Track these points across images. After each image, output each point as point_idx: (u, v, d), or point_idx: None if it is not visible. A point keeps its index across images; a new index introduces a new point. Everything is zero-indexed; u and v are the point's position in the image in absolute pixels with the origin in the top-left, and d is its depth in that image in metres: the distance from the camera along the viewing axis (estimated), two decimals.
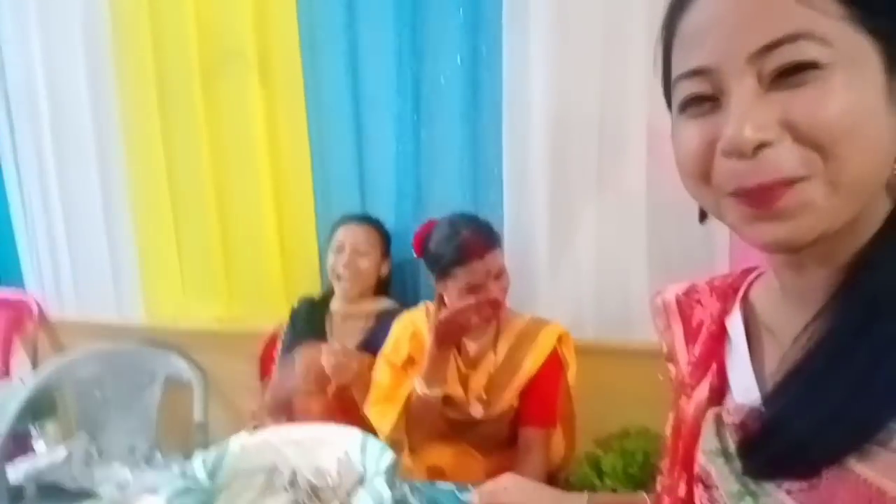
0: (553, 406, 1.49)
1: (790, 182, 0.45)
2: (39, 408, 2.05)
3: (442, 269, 1.47)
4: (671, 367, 0.70)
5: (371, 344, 1.69)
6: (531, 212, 1.76)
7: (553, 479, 1.53)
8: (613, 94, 1.68)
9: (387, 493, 0.97)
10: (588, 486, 1.40)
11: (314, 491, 1.08)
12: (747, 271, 0.66)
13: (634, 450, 1.61)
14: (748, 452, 0.51)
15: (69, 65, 2.14)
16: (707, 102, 0.49)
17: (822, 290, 0.52)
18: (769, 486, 0.50)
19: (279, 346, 1.88)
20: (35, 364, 2.24)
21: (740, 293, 0.64)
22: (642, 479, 1.59)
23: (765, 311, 0.61)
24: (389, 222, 1.88)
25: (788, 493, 0.49)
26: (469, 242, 1.45)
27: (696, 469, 0.59)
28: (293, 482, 1.10)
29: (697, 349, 0.64)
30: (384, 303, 1.83)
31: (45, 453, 1.82)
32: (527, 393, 1.48)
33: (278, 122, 1.98)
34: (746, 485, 0.52)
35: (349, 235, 1.77)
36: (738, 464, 0.53)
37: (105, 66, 2.10)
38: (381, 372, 1.56)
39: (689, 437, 0.61)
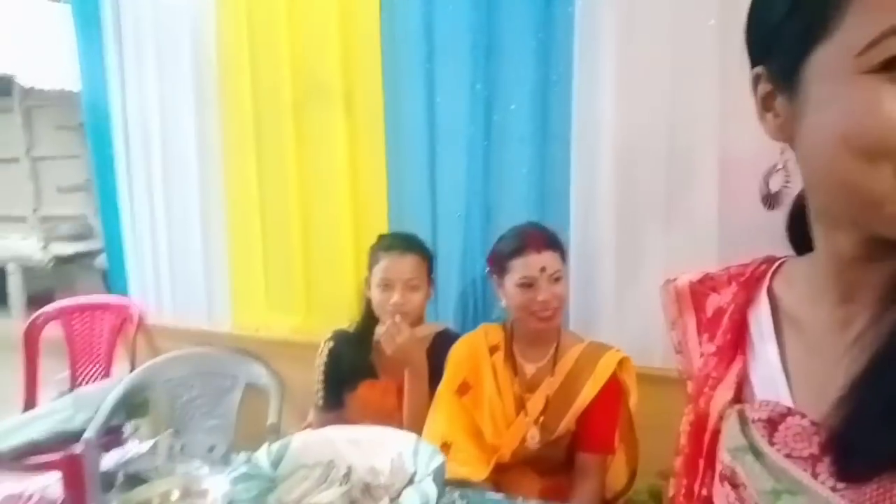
0: (611, 432, 1.48)
1: None
2: (134, 406, 2.23)
3: (499, 264, 1.50)
4: (681, 358, 0.68)
5: (429, 370, 1.65)
6: (598, 237, 1.78)
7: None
8: (684, 123, 1.69)
9: (433, 493, 1.01)
10: None
11: (367, 487, 1.14)
12: (769, 260, 0.63)
13: None
14: (841, 455, 0.48)
15: (178, 95, 2.39)
16: None
17: (876, 288, 0.51)
18: (810, 483, 0.48)
19: (318, 383, 1.81)
20: (133, 366, 2.44)
21: (765, 283, 0.61)
22: None
23: (791, 303, 0.58)
24: (458, 244, 1.94)
25: (834, 490, 0.47)
26: (528, 234, 1.49)
27: (720, 468, 0.57)
28: (348, 477, 1.16)
29: (719, 339, 0.61)
30: (434, 326, 1.78)
31: (135, 446, 1.97)
32: (585, 418, 1.47)
33: (359, 149, 2.12)
34: (781, 481, 0.50)
35: (397, 271, 1.66)
36: (772, 461, 0.51)
37: (209, 99, 2.33)
38: (439, 410, 1.53)
39: (713, 434, 0.59)
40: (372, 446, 1.22)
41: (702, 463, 0.61)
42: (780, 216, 1.69)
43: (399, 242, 1.72)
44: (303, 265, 2.23)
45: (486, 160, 1.91)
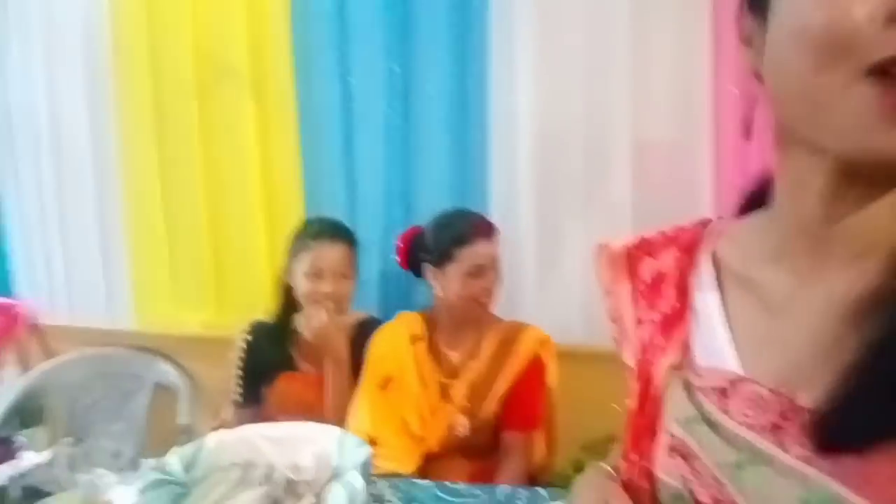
0: (535, 410, 1.50)
1: None
2: (27, 414, 2.05)
3: (442, 252, 1.46)
4: (615, 327, 0.64)
5: (353, 359, 1.62)
6: (518, 221, 1.79)
7: (534, 482, 1.53)
8: (598, 109, 1.73)
9: (360, 485, 0.98)
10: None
11: (290, 485, 1.09)
12: (703, 223, 0.61)
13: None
14: (826, 430, 0.44)
15: (68, 79, 2.19)
16: None
17: (850, 253, 0.48)
18: (777, 454, 0.46)
19: (233, 377, 1.72)
20: (25, 370, 2.25)
21: (706, 245, 0.58)
22: None
23: (742, 263, 0.55)
24: (377, 231, 1.90)
25: (805, 460, 0.44)
26: (474, 223, 1.47)
27: (668, 440, 0.53)
28: (269, 477, 1.10)
29: (663, 306, 0.58)
30: (358, 314, 1.72)
31: (30, 457, 1.82)
32: (508, 397, 1.48)
33: (270, 134, 2.02)
34: (743, 452, 0.47)
35: (328, 259, 1.60)
36: (728, 430, 0.48)
37: (103, 82, 2.15)
38: (362, 406, 1.49)
39: (654, 402, 0.55)
40: (293, 442, 1.17)
41: (647, 436, 0.57)
42: (689, 199, 1.75)
43: (329, 229, 1.66)
44: (212, 257, 2.11)
45: (405, 144, 1.87)
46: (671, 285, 0.58)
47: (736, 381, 0.49)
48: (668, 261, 0.60)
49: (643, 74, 1.69)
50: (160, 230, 2.15)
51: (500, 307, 1.74)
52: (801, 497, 0.44)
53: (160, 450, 1.99)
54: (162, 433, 2.02)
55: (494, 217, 1.78)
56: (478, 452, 1.49)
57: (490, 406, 1.47)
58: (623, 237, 0.67)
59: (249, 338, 1.71)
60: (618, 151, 1.73)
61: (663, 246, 0.61)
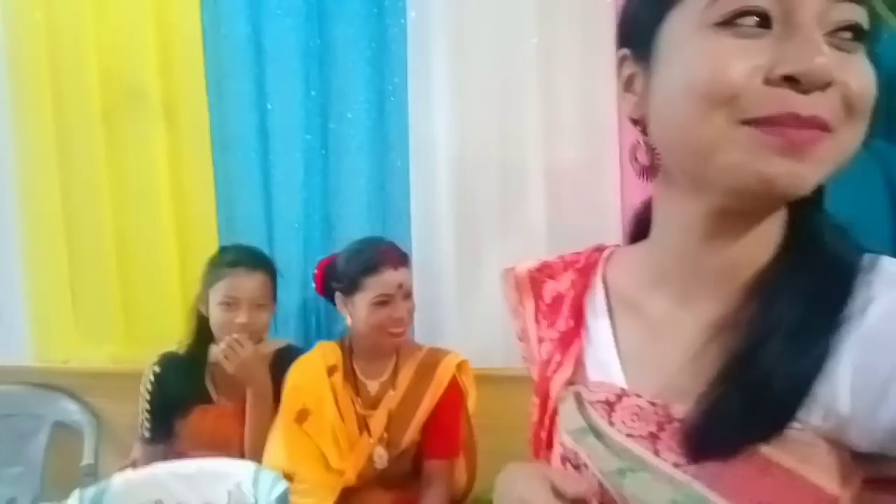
0: (456, 436, 1.50)
1: (826, 129, 0.44)
2: None
3: (351, 281, 1.45)
4: (524, 346, 0.69)
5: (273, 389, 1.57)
6: (438, 246, 1.80)
7: None
8: (511, 134, 1.77)
9: None
10: None
11: None
12: (600, 249, 0.67)
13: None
14: (697, 444, 0.49)
15: None
16: (755, 22, 0.45)
17: (719, 281, 0.53)
18: (652, 460, 0.50)
19: (141, 412, 1.62)
20: None
21: (599, 270, 0.64)
22: None
23: (628, 288, 0.60)
24: (297, 258, 1.87)
25: (676, 466, 0.49)
26: (382, 251, 1.46)
27: (560, 451, 0.58)
28: None
29: (560, 325, 0.63)
30: (276, 343, 1.68)
31: None
32: (429, 425, 1.48)
33: (182, 160, 1.95)
34: (624, 460, 0.52)
35: (244, 289, 1.55)
36: (614, 441, 0.53)
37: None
38: (277, 440, 1.44)
39: (552, 416, 0.60)
40: (205, 479, 1.13)
41: (543, 450, 0.62)
42: (600, 221, 1.81)
43: (245, 258, 1.61)
44: (119, 287, 2.00)
45: (325, 169, 1.86)
46: (567, 305, 0.63)
47: (621, 395, 0.54)
48: (565, 283, 0.65)
49: (553, 102, 1.76)
50: (61, 256, 2.02)
51: (420, 333, 1.76)
52: (672, 500, 0.48)
53: (60, 494, 1.88)
54: (62, 476, 1.89)
55: (414, 242, 1.81)
56: (397, 483, 1.48)
57: (410, 435, 1.46)
58: (534, 259, 0.72)
59: (158, 370, 1.62)
60: (531, 175, 1.77)
61: (562, 269, 0.66)
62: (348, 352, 1.54)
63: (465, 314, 1.81)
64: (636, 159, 0.56)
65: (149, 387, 1.61)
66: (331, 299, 1.55)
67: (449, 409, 1.49)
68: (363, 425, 1.47)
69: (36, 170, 2.01)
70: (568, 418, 0.57)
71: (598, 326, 0.60)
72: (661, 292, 0.57)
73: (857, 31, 0.45)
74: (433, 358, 1.52)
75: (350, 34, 1.80)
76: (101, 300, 2.01)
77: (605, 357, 0.58)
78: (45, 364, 2.03)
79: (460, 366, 1.53)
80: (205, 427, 1.56)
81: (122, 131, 1.96)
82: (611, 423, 0.54)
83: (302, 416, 1.44)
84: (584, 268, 0.64)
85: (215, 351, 1.57)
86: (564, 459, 0.57)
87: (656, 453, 0.51)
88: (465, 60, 1.75)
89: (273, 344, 1.67)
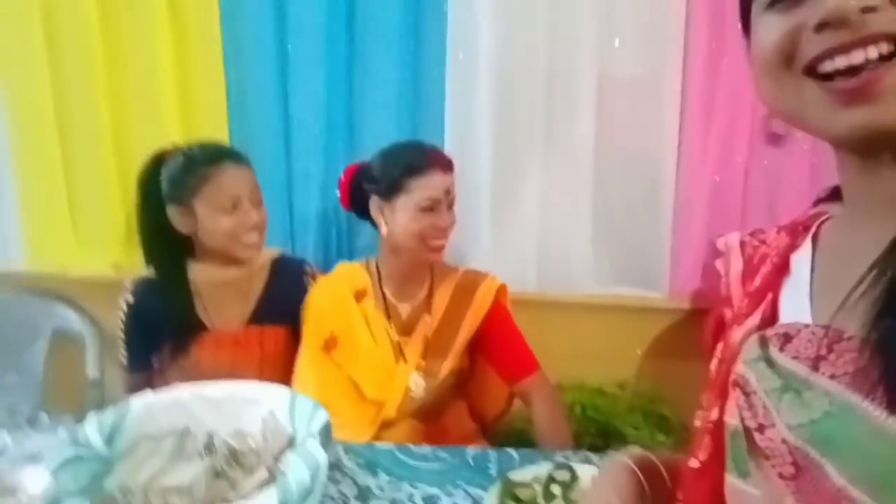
0: (525, 349, 1.38)
1: (888, 57, 0.45)
2: None
3: (392, 182, 1.28)
4: (727, 311, 0.67)
5: (272, 304, 1.43)
6: (474, 160, 1.66)
7: (491, 429, 1.46)
8: (562, 44, 1.61)
9: (322, 457, 0.84)
10: (525, 441, 1.33)
11: (234, 456, 0.94)
12: (818, 214, 0.64)
13: (572, 403, 1.57)
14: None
15: None
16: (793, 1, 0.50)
17: (888, 203, 0.52)
18: (814, 378, 0.50)
19: (123, 343, 1.46)
20: None
21: (812, 230, 0.62)
22: (579, 433, 1.55)
23: (835, 244, 0.59)
24: (317, 168, 1.71)
25: (832, 377, 0.49)
26: (429, 152, 1.31)
27: (734, 377, 0.58)
28: (209, 447, 0.95)
29: (757, 281, 0.63)
30: (269, 252, 1.49)
31: None
32: (494, 350, 1.38)
33: (189, 58, 1.74)
34: (788, 381, 0.52)
35: (241, 185, 1.36)
36: (779, 364, 0.54)
37: None
38: (304, 371, 1.31)
39: (729, 360, 0.60)
40: (236, 405, 1.01)
41: (717, 389, 0.62)
42: (656, 142, 1.67)
43: (225, 152, 1.40)
44: (120, 192, 1.83)
45: (349, 66, 1.66)
46: (771, 263, 0.63)
47: (801, 328, 0.55)
48: (774, 245, 0.65)
49: (606, 10, 1.58)
50: (56, 163, 1.83)
51: (450, 252, 1.63)
52: (826, 411, 0.49)
53: (64, 405, 1.79)
54: (65, 387, 1.80)
55: (449, 154, 1.65)
56: (432, 414, 1.38)
57: (450, 363, 1.36)
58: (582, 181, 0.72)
59: (131, 299, 1.42)
60: (582, 86, 1.62)
61: (775, 234, 0.67)
62: (376, 274, 1.40)
63: (500, 235, 1.70)
64: (771, 128, 0.62)
65: (122, 318, 1.43)
66: (359, 211, 1.39)
67: (504, 328, 1.38)
68: (398, 353, 1.36)
69: (24, 65, 1.80)
70: (747, 350, 0.58)
71: (798, 279, 0.60)
72: (857, 241, 0.56)
73: None
74: (471, 280, 1.40)
75: None
76: (100, 205, 1.85)
77: (798, 306, 0.58)
78: (41, 269, 1.89)
79: (500, 289, 1.41)
80: (211, 358, 1.39)
81: (121, 27, 1.74)
82: (782, 350, 0.55)
83: (330, 344, 1.32)
84: (796, 228, 0.64)
85: (200, 271, 1.42)
86: (735, 384, 0.58)
87: (816, 369, 0.51)
88: None
89: (267, 253, 1.48)
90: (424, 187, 1.27)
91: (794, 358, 0.53)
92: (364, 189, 1.35)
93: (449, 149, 1.64)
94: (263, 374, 1.13)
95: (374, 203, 1.33)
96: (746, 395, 0.56)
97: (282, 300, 1.43)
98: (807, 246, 0.61)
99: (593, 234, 1.67)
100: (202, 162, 1.35)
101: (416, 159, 1.29)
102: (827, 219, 0.63)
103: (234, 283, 1.42)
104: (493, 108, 1.63)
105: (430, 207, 1.28)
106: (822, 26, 0.47)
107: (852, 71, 0.46)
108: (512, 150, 1.65)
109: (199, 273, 1.42)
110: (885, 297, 0.47)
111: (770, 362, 0.55)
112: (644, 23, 1.58)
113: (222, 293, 1.42)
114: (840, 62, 0.46)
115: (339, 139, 1.70)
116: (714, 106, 1.57)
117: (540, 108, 1.62)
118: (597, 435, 1.53)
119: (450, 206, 1.33)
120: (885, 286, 0.48)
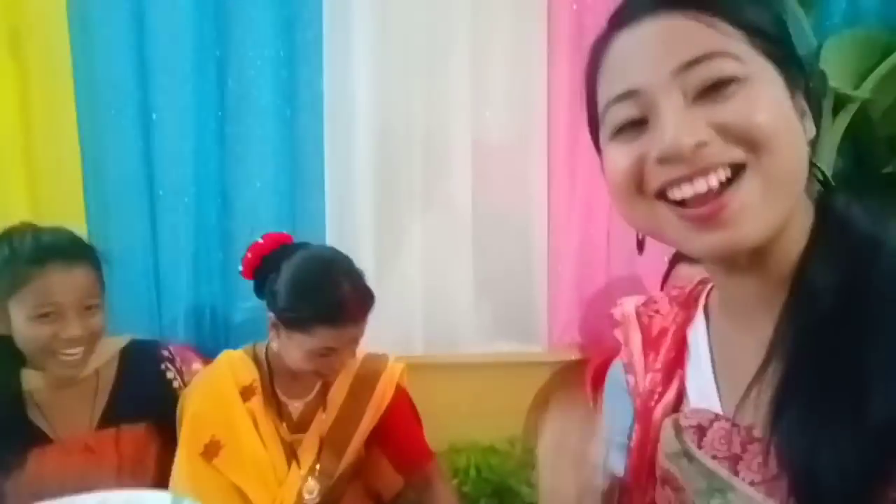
0: (421, 439, 1.35)
1: (728, 182, 0.49)
2: None
3: (299, 320, 1.15)
4: (630, 378, 0.69)
5: (126, 402, 1.25)
6: (355, 223, 1.65)
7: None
8: (438, 107, 1.67)
9: None
10: None
11: None
12: (704, 282, 0.68)
13: (466, 466, 1.57)
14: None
15: None
16: (636, 128, 0.53)
17: (764, 302, 0.55)
18: (736, 482, 0.53)
19: None
20: None
21: (701, 301, 0.66)
22: (475, 496, 1.54)
23: (725, 331, 0.62)
24: (187, 237, 1.58)
25: (752, 484, 0.53)
26: (351, 302, 1.16)
27: (660, 473, 0.61)
28: None
29: (663, 357, 0.66)
30: (116, 341, 1.30)
31: None
32: (390, 440, 1.33)
33: (34, 106, 1.55)
34: (713, 482, 0.55)
35: (64, 291, 1.14)
36: (701, 463, 0.56)
37: None
38: (181, 481, 1.15)
39: (654, 444, 0.63)
40: None
41: (646, 471, 0.64)
42: (527, 200, 1.75)
43: (57, 248, 1.17)
44: None
45: (221, 133, 1.59)
46: (672, 338, 0.66)
47: (713, 420, 0.58)
48: (670, 317, 0.68)
49: (483, 67, 1.67)
50: None
51: None
52: None
53: None
54: None
55: (328, 218, 1.65)
56: None
57: (346, 462, 1.27)
58: (639, 296, 0.73)
59: None
60: (457, 153, 1.68)
61: (668, 304, 0.69)
62: (265, 366, 1.26)
63: (384, 298, 1.65)
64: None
65: None
66: (258, 290, 1.25)
67: (404, 419, 1.34)
68: (290, 455, 1.24)
69: None
70: (666, 442, 0.60)
71: (700, 356, 0.62)
72: (737, 325, 0.60)
73: (724, 81, 0.49)
74: (371, 370, 1.32)
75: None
76: None
77: (704, 385, 0.61)
78: None
79: (401, 372, 1.35)
80: (58, 471, 1.17)
81: None
82: (700, 447, 0.57)
83: (211, 450, 1.17)
84: (686, 300, 0.67)
85: (33, 377, 1.21)
86: (664, 481, 0.60)
87: (736, 473, 0.54)
88: (389, 15, 1.60)
89: (113, 344, 1.29)
90: (329, 337, 1.15)
91: (714, 458, 0.56)
92: (267, 293, 1.21)
93: (329, 211, 1.63)
94: (123, 482, 1.00)
95: (271, 319, 1.20)
96: (675, 490, 0.59)
97: (137, 395, 1.25)
98: (700, 320, 0.65)
99: (475, 292, 1.71)
100: (25, 260, 1.15)
101: (329, 306, 1.14)
102: (712, 288, 0.66)
103: (75, 384, 1.22)
104: (372, 172, 1.65)
105: (329, 353, 1.18)
106: (663, 160, 0.50)
107: (699, 198, 0.49)
108: (392, 213, 1.66)
109: (32, 379, 1.21)
110: (777, 398, 0.51)
111: (690, 458, 0.57)
112: (511, 92, 1.67)
113: (62, 398, 1.22)
114: (686, 191, 0.50)
115: (210, 206, 1.60)
116: (577, 169, 1.69)
117: (418, 172, 1.66)
118: (492, 495, 1.53)
119: (353, 344, 1.22)
120: (776, 387, 0.52)
